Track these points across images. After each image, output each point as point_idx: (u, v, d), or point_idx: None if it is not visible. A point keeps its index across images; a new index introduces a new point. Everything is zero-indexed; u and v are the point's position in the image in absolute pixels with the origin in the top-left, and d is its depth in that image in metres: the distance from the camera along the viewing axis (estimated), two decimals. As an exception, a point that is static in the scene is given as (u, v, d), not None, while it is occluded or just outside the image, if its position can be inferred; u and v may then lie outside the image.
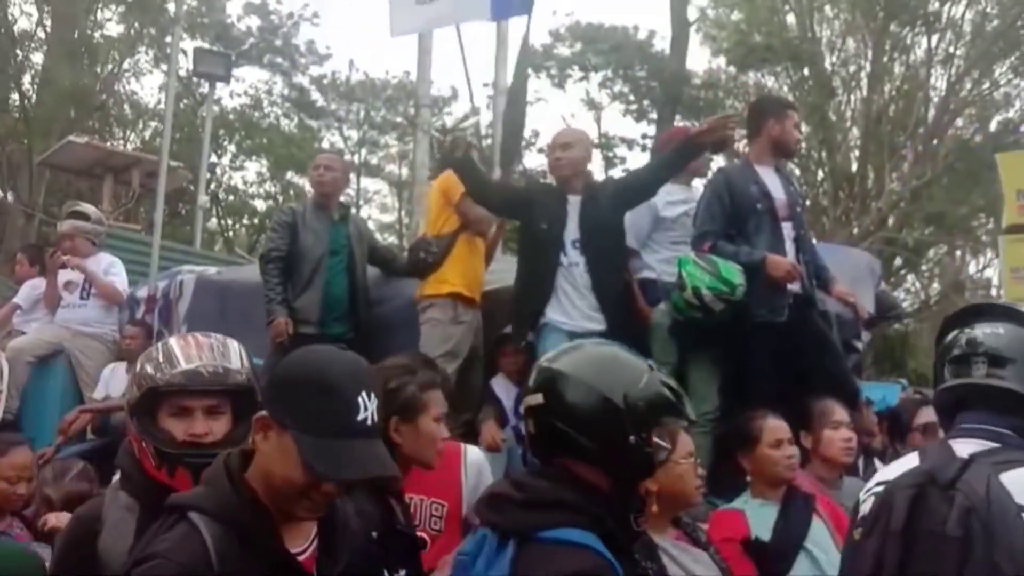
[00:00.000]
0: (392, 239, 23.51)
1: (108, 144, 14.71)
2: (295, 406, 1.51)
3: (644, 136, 19.75)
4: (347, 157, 22.35)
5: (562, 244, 3.91)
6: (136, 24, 19.97)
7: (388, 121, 24.46)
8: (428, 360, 2.58)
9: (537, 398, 1.73)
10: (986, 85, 19.25)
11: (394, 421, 2.30)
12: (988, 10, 18.62)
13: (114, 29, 20.57)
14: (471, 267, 4.38)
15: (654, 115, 19.01)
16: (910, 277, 22.49)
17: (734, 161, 5.18)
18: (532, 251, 4.00)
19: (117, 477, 2.03)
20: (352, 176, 23.50)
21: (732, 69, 20.42)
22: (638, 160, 20.18)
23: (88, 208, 6.36)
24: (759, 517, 2.77)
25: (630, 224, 4.30)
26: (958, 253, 22.17)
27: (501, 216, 4.46)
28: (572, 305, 3.85)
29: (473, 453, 2.78)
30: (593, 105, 21.19)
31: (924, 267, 22.18)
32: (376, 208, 27.71)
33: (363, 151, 25.33)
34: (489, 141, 9.15)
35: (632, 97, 20.14)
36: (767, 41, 19.04)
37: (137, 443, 1.93)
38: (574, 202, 3.98)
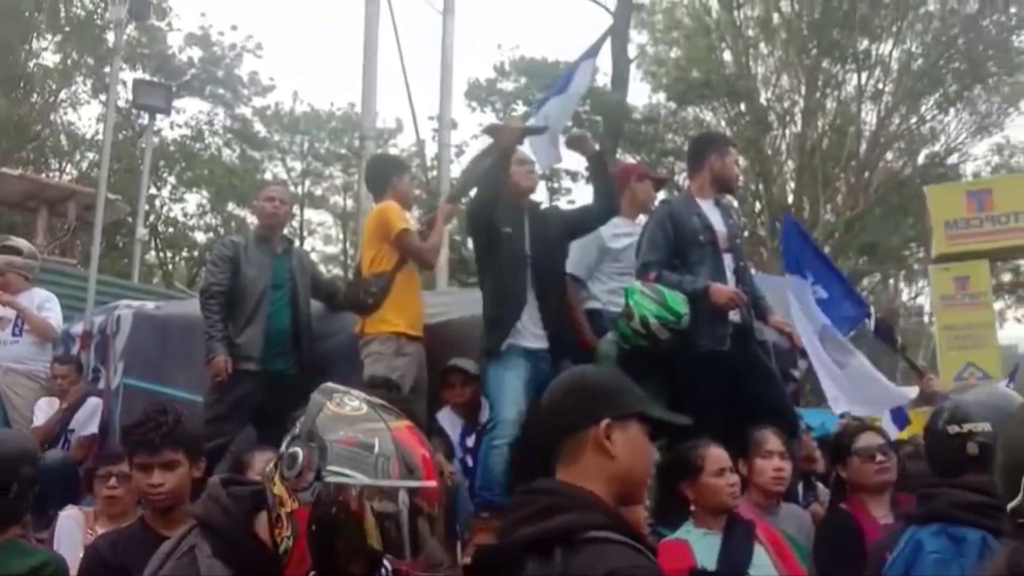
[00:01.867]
0: (337, 271, 23.31)
1: (43, 176, 14.37)
2: (616, 398, 1.71)
3: (588, 168, 20.00)
4: (291, 188, 22.17)
5: (526, 253, 3.99)
6: (73, 54, 19.62)
7: (332, 152, 24.38)
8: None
9: None
10: (914, 120, 20.04)
11: None
12: (913, 49, 19.43)
13: (50, 59, 20.18)
14: (411, 304, 4.36)
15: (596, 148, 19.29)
16: (846, 305, 23.08)
17: (674, 194, 5.32)
18: (502, 255, 4.01)
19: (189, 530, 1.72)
20: (296, 207, 23.37)
21: (672, 104, 20.88)
22: (582, 191, 20.42)
23: (20, 242, 6.19)
24: (703, 546, 2.80)
25: (577, 255, 4.37)
26: (891, 282, 22.88)
27: (484, 215, 4.29)
28: (528, 320, 3.90)
29: None
30: (536, 138, 21.40)
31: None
32: (320, 240, 27.52)
33: (307, 182, 25.18)
34: (435, 172, 9.19)
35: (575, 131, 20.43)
36: (705, 77, 19.55)
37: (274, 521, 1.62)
38: (524, 219, 4.07)
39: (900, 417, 3.93)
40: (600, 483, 1.66)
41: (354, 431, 1.55)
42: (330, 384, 1.73)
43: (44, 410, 5.30)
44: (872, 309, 3.85)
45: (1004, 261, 15.30)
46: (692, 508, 2.94)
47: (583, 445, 1.69)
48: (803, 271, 4.20)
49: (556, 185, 21.69)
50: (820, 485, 4.78)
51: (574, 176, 20.16)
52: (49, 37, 19.69)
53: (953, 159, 20.81)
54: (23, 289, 5.77)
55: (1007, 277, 21.23)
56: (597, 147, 4.25)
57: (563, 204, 20.98)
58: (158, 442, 2.47)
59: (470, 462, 3.99)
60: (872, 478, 3.31)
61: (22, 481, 2.39)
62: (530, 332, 3.90)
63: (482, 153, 4.64)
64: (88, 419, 5.16)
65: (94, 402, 5.27)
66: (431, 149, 14.28)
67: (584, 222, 4.24)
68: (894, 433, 3.99)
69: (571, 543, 1.55)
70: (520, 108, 19.53)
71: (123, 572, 2.37)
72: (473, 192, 4.44)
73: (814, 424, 5.95)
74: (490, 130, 4.28)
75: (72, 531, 3.06)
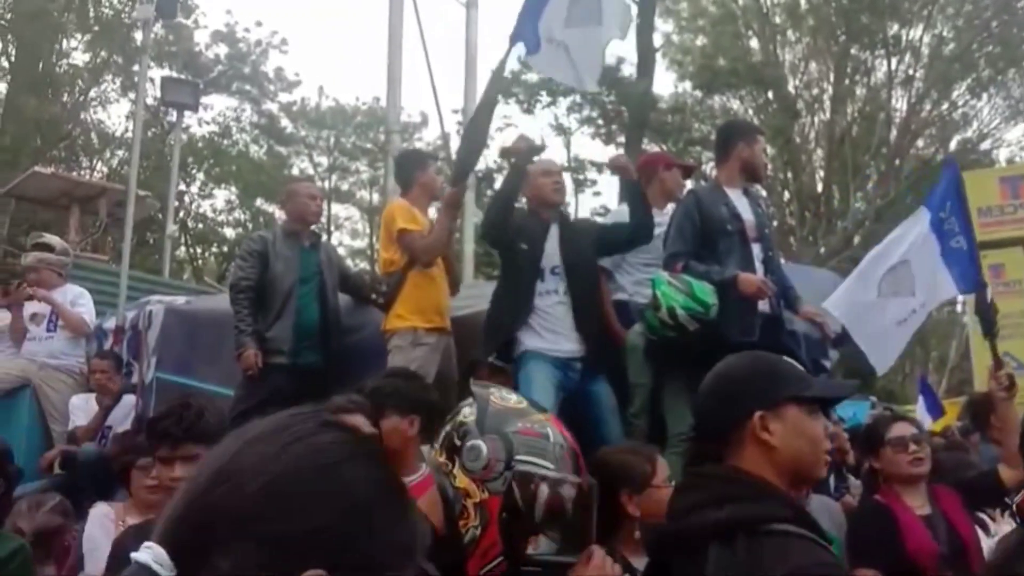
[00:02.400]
0: (364, 265, 23.44)
1: (74, 174, 14.57)
2: (763, 387, 1.71)
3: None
4: (318, 183, 22.31)
5: (540, 271, 3.95)
6: (102, 53, 19.85)
7: (358, 147, 24.48)
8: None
9: None
10: (945, 106, 19.73)
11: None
12: (944, 34, 19.11)
13: (80, 58, 20.45)
14: (427, 298, 4.35)
15: (622, 139, 19.21)
16: (877, 295, 22.80)
17: (701, 183, 5.27)
18: (513, 271, 4.02)
19: None
20: (323, 202, 23.54)
21: (698, 93, 20.72)
22: (608, 183, 20.34)
23: (53, 239, 6.28)
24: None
25: None
26: (923, 270, 22.54)
27: (494, 233, 4.29)
28: (551, 331, 3.87)
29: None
30: (562, 130, 21.37)
31: (890, 285, 22.49)
32: (347, 234, 27.68)
33: (333, 177, 25.32)
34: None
35: (600, 122, 20.35)
36: (732, 65, 19.37)
37: None
38: (552, 230, 4.03)
39: (935, 407, 3.85)
40: (770, 471, 1.66)
41: (529, 422, 1.62)
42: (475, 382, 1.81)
43: (80, 406, 5.38)
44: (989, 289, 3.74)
45: (1039, 248, 14.99)
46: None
47: (743, 438, 1.69)
48: (946, 214, 3.98)
49: (582, 177, 21.64)
50: (851, 477, 4.73)
51: (599, 168, 20.08)
52: (78, 37, 19.95)
53: (986, 145, 20.49)
54: (56, 285, 5.86)
55: (1042, 264, 20.85)
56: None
57: (588, 196, 20.97)
58: (181, 436, 2.48)
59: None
60: (906, 468, 3.26)
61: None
62: (558, 339, 3.88)
63: (471, 122, 4.57)
64: (125, 416, 5.25)
65: (130, 400, 5.35)
66: (456, 143, 14.33)
67: (614, 243, 4.20)
68: (928, 423, 3.92)
69: (754, 533, 1.54)
70: (544, 98, 19.51)
71: None
72: (483, 179, 4.43)
73: (845, 416, 5.88)
74: (505, 153, 4.29)
75: (103, 526, 3.11)
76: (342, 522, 0.73)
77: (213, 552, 0.72)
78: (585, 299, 3.98)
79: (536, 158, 4.18)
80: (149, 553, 0.73)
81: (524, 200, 4.30)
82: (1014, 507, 3.56)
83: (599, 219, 6.51)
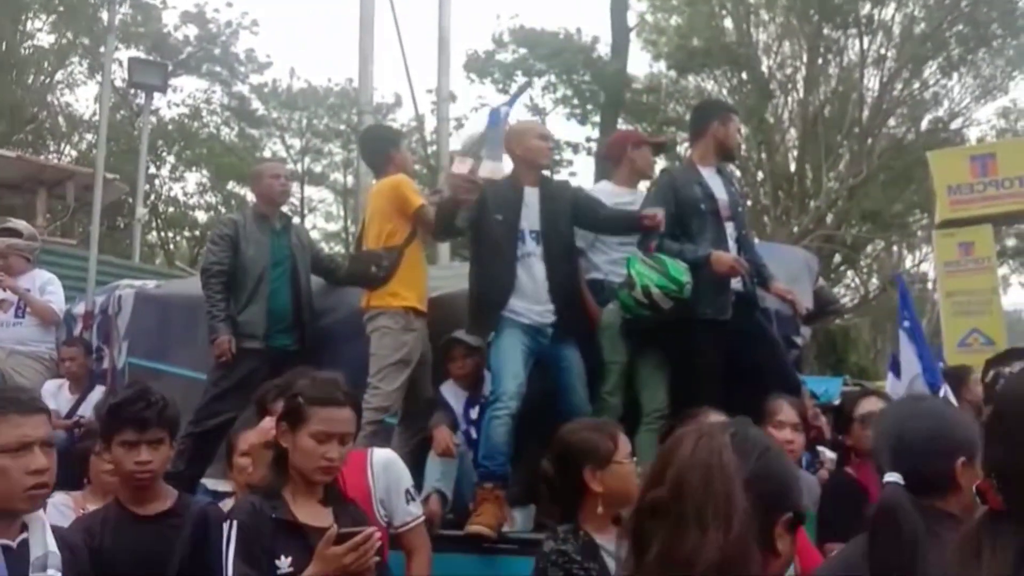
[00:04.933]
0: (339, 248, 23.29)
1: (41, 158, 14.29)
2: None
3: (588, 139, 19.90)
4: (290, 166, 22.10)
5: (519, 233, 3.92)
6: (68, 34, 19.48)
7: (331, 129, 24.25)
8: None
9: None
10: (916, 85, 19.86)
11: (281, 427, 2.37)
12: (916, 13, 19.21)
13: (45, 39, 20.05)
14: (419, 279, 4.33)
15: (597, 118, 19.18)
16: (849, 273, 23.09)
17: (675, 163, 5.26)
18: (489, 245, 3.96)
19: None
20: (295, 185, 23.30)
21: (672, 73, 20.71)
22: (584, 163, 20.33)
23: (20, 224, 6.17)
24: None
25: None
26: (895, 249, 22.82)
27: (444, 238, 4.35)
28: (528, 296, 3.86)
29: (378, 455, 2.85)
30: (537, 110, 21.30)
31: (862, 263, 22.76)
32: (321, 217, 27.47)
33: (306, 159, 25.08)
34: (435, 147, 9.14)
35: (576, 102, 20.29)
36: (706, 46, 19.36)
37: None
38: (531, 192, 4.00)
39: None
40: None
41: None
42: None
43: (51, 392, 5.32)
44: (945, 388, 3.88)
45: (1008, 226, 15.21)
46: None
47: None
48: (910, 323, 4.25)
49: (558, 157, 21.61)
50: (827, 451, 4.78)
51: (575, 147, 20.05)
52: (43, 17, 19.56)
53: (957, 124, 20.67)
54: (25, 271, 5.77)
55: (1011, 242, 21.15)
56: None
57: (564, 175, 20.95)
58: (154, 419, 2.50)
59: (474, 434, 4.00)
60: (875, 443, 3.30)
61: None
62: (530, 307, 3.87)
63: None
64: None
65: (102, 391, 5.30)
66: (430, 123, 14.23)
67: (584, 219, 4.15)
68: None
69: None
70: (520, 78, 19.41)
71: (100, 556, 2.38)
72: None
73: (818, 391, 5.95)
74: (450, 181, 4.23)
75: (63, 515, 3.06)
76: None
77: None
78: (560, 263, 3.97)
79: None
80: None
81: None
82: (975, 490, 3.62)
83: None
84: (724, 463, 1.18)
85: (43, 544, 1.93)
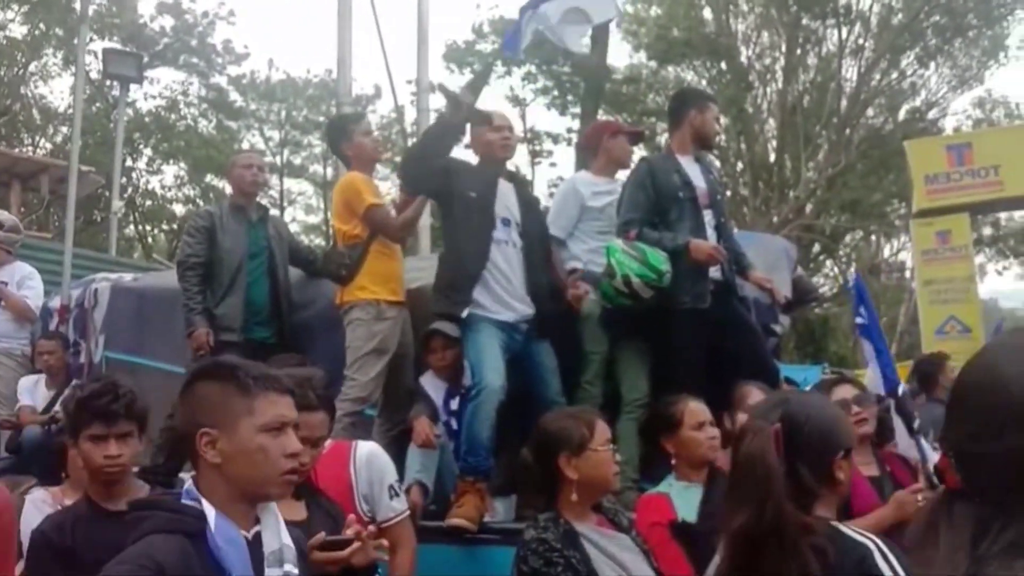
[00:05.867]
0: (319, 240, 23.17)
1: (15, 151, 14.12)
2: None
3: (569, 130, 19.93)
4: (268, 158, 21.95)
5: (494, 218, 3.88)
6: (41, 25, 19.21)
7: (310, 121, 24.10)
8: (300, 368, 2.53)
9: None
10: (894, 75, 20.02)
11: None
12: (893, 4, 19.34)
13: (17, 30, 19.75)
14: (389, 270, 4.28)
15: (578, 109, 19.18)
16: (828, 262, 23.26)
17: (655, 153, 5.26)
18: (462, 219, 3.89)
19: None
20: (275, 177, 23.14)
21: (652, 64, 20.74)
22: (565, 153, 20.34)
23: (3, 215, 6.05)
24: (684, 499, 2.82)
25: (557, 214, 4.33)
26: (873, 238, 23.01)
27: (429, 187, 4.22)
28: (503, 289, 3.82)
29: (362, 448, 2.78)
30: (517, 101, 21.27)
31: (841, 252, 22.94)
32: (301, 209, 27.30)
33: (286, 152, 24.92)
34: (415, 138, 9.08)
35: (556, 92, 20.28)
36: (686, 36, 19.41)
37: None
38: (504, 185, 3.98)
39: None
40: None
41: None
42: None
43: (28, 388, 5.26)
44: (902, 387, 3.85)
45: (983, 215, 15.37)
46: (673, 462, 2.95)
47: None
48: (865, 320, 4.21)
49: (538, 148, 21.60)
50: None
51: (555, 138, 20.05)
52: (15, 8, 19.25)
53: (934, 114, 20.85)
54: (6, 263, 5.68)
55: (987, 231, 21.38)
56: None
57: (545, 167, 20.95)
58: (122, 412, 2.46)
59: (454, 425, 3.98)
60: (851, 429, 3.33)
61: None
62: (507, 299, 3.84)
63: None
64: (73, 403, 5.14)
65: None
66: (410, 114, 14.15)
67: None
68: (879, 387, 4.02)
69: None
70: (499, 68, 19.36)
71: (71, 554, 2.35)
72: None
73: (796, 379, 5.99)
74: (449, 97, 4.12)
75: (40, 511, 3.02)
76: None
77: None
78: (536, 258, 3.95)
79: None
80: None
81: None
82: (932, 469, 3.65)
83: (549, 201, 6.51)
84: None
85: (277, 537, 1.76)
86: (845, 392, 3.38)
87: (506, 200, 3.95)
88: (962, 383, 1.18)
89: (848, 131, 19.58)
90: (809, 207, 19.55)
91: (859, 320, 4.24)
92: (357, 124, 4.58)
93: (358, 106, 16.95)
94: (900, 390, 3.74)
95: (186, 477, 4.27)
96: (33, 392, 5.24)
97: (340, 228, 4.34)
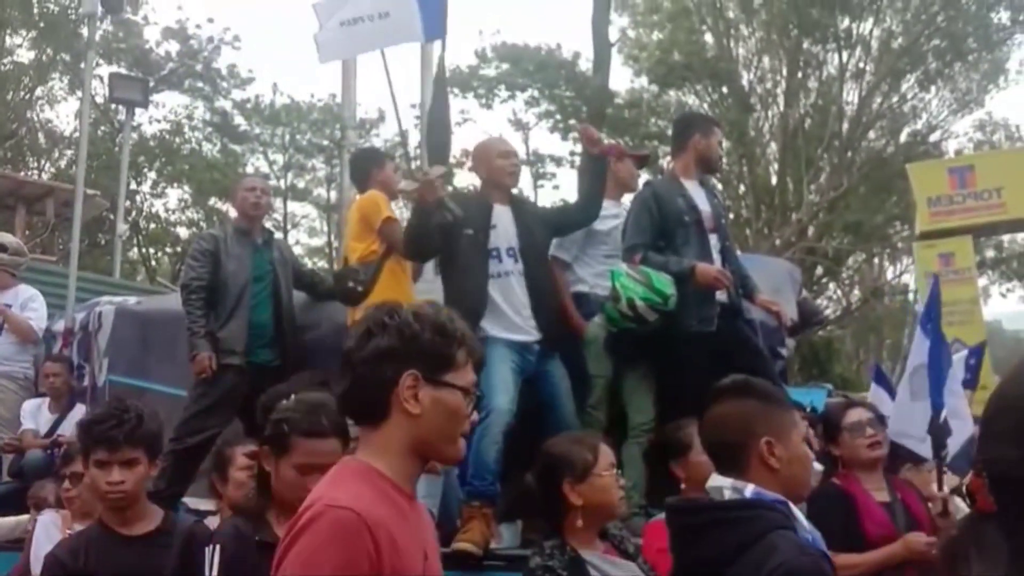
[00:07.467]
0: (322, 263, 23.19)
1: (21, 174, 14.18)
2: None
3: (572, 153, 19.99)
4: (273, 182, 22.01)
5: (493, 251, 3.88)
6: (48, 50, 19.36)
7: (314, 144, 24.19)
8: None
9: None
10: (895, 99, 20.08)
11: (264, 450, 2.28)
12: (894, 28, 19.46)
13: (25, 55, 19.92)
14: (400, 292, 4.29)
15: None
16: (831, 285, 23.21)
17: (658, 177, 5.29)
18: (460, 261, 3.92)
19: None
20: (278, 200, 23.20)
21: (654, 88, 20.84)
22: (568, 177, 20.40)
23: (7, 238, 6.08)
24: (694, 525, 2.78)
25: (563, 238, 4.34)
26: (876, 260, 22.99)
27: (435, 250, 4.25)
28: (510, 316, 3.82)
29: None
30: (520, 125, 21.36)
31: (844, 275, 22.90)
32: (304, 232, 27.34)
33: (289, 175, 24.98)
34: (418, 162, 9.13)
35: (559, 116, 20.38)
36: (687, 60, 19.52)
37: None
38: (502, 211, 3.98)
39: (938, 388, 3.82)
40: None
41: None
42: None
43: (31, 412, 5.25)
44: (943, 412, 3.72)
45: (986, 237, 15.37)
46: (682, 487, 2.92)
47: None
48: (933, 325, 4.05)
49: (541, 170, 21.66)
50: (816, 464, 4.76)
51: (558, 161, 20.11)
52: (23, 33, 19.43)
53: (935, 137, 20.90)
54: (9, 286, 5.69)
55: (990, 253, 21.36)
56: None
57: (548, 190, 21.01)
58: (121, 439, 2.42)
59: (459, 449, 3.96)
60: (865, 453, 3.31)
61: None
62: (516, 323, 3.84)
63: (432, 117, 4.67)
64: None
65: (82, 410, 5.22)
66: (414, 138, 14.23)
67: (564, 223, 4.20)
68: (885, 408, 3.98)
69: None
70: (503, 93, 19.48)
71: None
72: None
73: (802, 402, 5.96)
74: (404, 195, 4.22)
75: (49, 533, 3.01)
76: None
77: None
78: (540, 280, 3.95)
79: (488, 136, 4.18)
80: None
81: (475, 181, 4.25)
82: (964, 490, 3.61)
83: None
84: None
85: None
86: (859, 415, 3.36)
87: (505, 228, 3.95)
88: (1003, 398, 1.05)
89: (850, 154, 19.63)
90: (811, 229, 19.55)
91: (927, 325, 4.02)
92: (391, 159, 4.94)
93: (362, 130, 17.03)
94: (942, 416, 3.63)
95: (189, 501, 4.26)
96: (36, 416, 5.23)
97: (355, 246, 4.35)
